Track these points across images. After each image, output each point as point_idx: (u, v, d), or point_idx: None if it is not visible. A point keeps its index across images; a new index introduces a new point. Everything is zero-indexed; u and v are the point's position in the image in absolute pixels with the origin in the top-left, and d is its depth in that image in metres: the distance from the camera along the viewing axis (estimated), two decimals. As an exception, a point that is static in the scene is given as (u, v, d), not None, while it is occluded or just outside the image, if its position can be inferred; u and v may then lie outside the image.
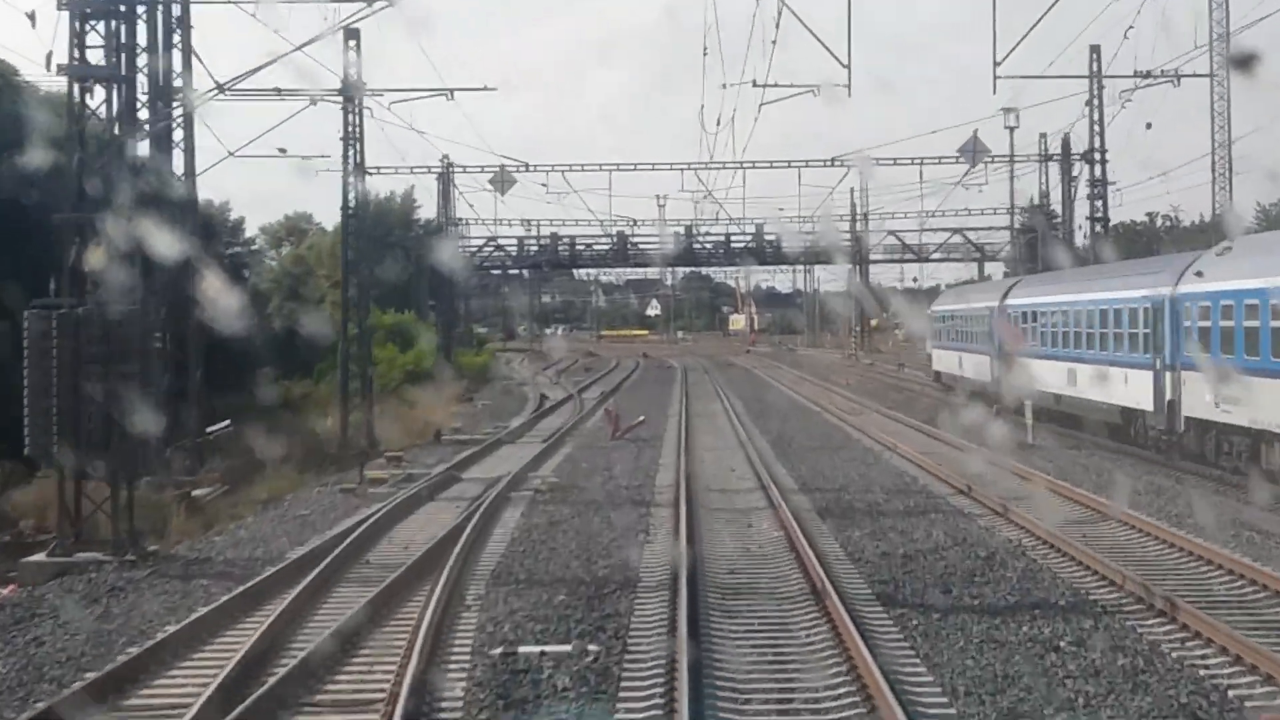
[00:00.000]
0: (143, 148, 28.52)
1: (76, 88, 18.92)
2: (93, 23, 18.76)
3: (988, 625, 13.99)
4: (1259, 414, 22.77)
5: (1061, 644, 13.14)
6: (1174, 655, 12.72)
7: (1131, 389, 28.71)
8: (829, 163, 65.28)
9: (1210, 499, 22.37)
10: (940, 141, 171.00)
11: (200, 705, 11.19)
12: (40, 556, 18.78)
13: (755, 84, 39.29)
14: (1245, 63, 47.20)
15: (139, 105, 25.34)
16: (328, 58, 36.40)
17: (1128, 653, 12.79)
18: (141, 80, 27.06)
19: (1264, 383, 22.58)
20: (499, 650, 13.10)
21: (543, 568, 17.60)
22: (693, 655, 12.39)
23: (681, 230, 76.51)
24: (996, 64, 36.99)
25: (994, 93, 39.27)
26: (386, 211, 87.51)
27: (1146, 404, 27.93)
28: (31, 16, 21.54)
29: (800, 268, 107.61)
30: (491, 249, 77.96)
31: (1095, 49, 51.47)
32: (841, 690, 11.80)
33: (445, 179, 72.28)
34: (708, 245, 77.70)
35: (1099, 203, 53.59)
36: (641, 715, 11.30)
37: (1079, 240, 62.16)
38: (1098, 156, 53.43)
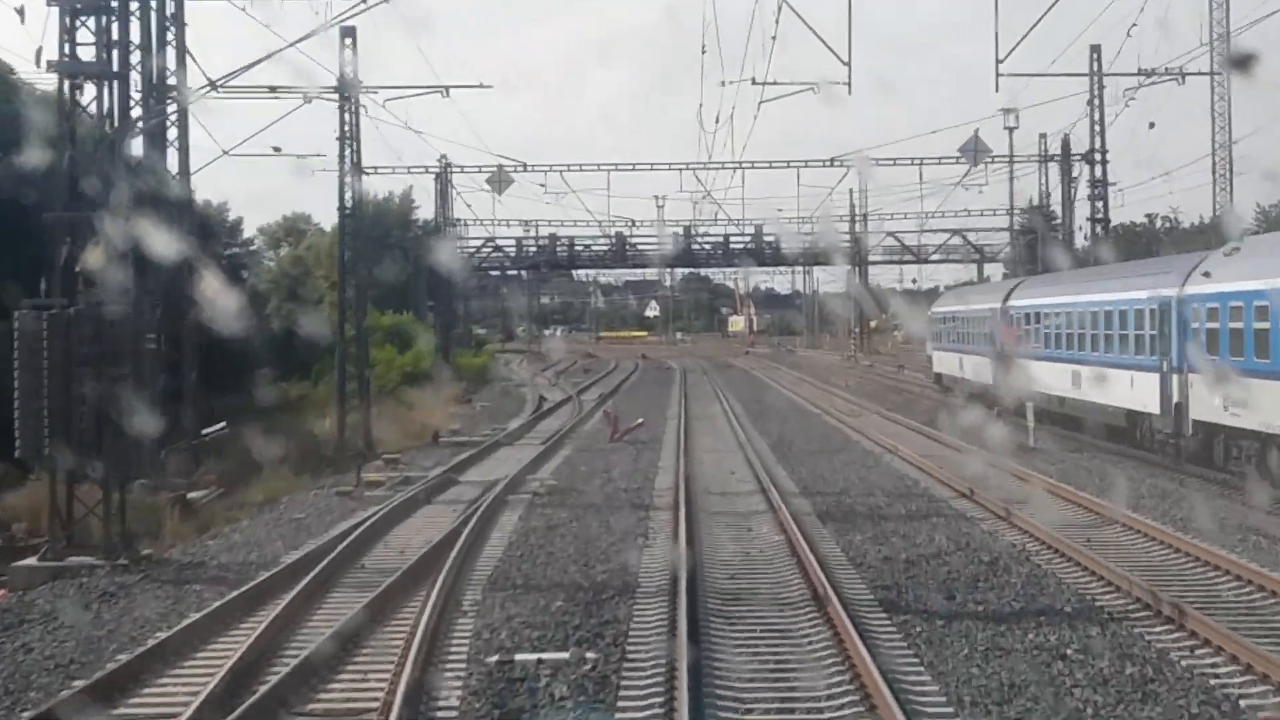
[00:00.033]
0: (137, 147, 28.43)
1: (67, 84, 18.66)
2: (83, 18, 18.52)
3: (992, 632, 13.76)
4: (1269, 417, 22.47)
5: (1068, 652, 12.91)
6: (1183, 664, 12.48)
7: (1137, 391, 28.31)
8: (828, 163, 65.06)
9: (1215, 503, 22.15)
10: (940, 142, 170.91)
11: (190, 715, 10.96)
12: (31, 561, 18.52)
13: (754, 81, 38.99)
14: (1243, 63, 47.07)
15: (133, 103, 25.13)
16: (324, 57, 36.15)
17: (1136, 661, 12.56)
18: (136, 79, 26.96)
19: (1274, 386, 22.30)
20: (495, 658, 12.87)
21: (540, 572, 17.36)
22: (692, 662, 12.17)
23: (680, 231, 76.30)
24: (999, 61, 36.68)
25: (996, 90, 39.07)
26: (385, 212, 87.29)
27: (1153, 407, 27.51)
28: (20, 12, 21.27)
29: (799, 269, 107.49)
30: (490, 250, 77.73)
31: (1095, 48, 51.32)
32: (844, 699, 11.56)
33: (443, 179, 72.02)
34: (706, 246, 77.49)
35: (1099, 203, 53.39)
36: (640, 725, 11.08)
37: (1079, 241, 62.09)
38: (1098, 157, 53.24)
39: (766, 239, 76.46)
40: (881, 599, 15.45)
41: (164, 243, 24.42)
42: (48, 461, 18.40)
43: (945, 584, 16.27)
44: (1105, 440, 31.07)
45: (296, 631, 14.13)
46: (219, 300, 30.74)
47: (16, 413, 18.09)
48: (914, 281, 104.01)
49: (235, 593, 15.70)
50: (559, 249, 77.43)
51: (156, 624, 14.70)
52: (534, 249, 78.12)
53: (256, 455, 30.53)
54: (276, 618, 14.15)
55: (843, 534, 19.91)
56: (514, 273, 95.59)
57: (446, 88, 36.23)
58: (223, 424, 29.94)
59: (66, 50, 18.60)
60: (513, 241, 77.70)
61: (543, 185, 66.08)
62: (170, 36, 29.10)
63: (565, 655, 12.91)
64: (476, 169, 66.86)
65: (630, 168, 67.50)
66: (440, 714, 11.42)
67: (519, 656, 12.88)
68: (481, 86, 37.13)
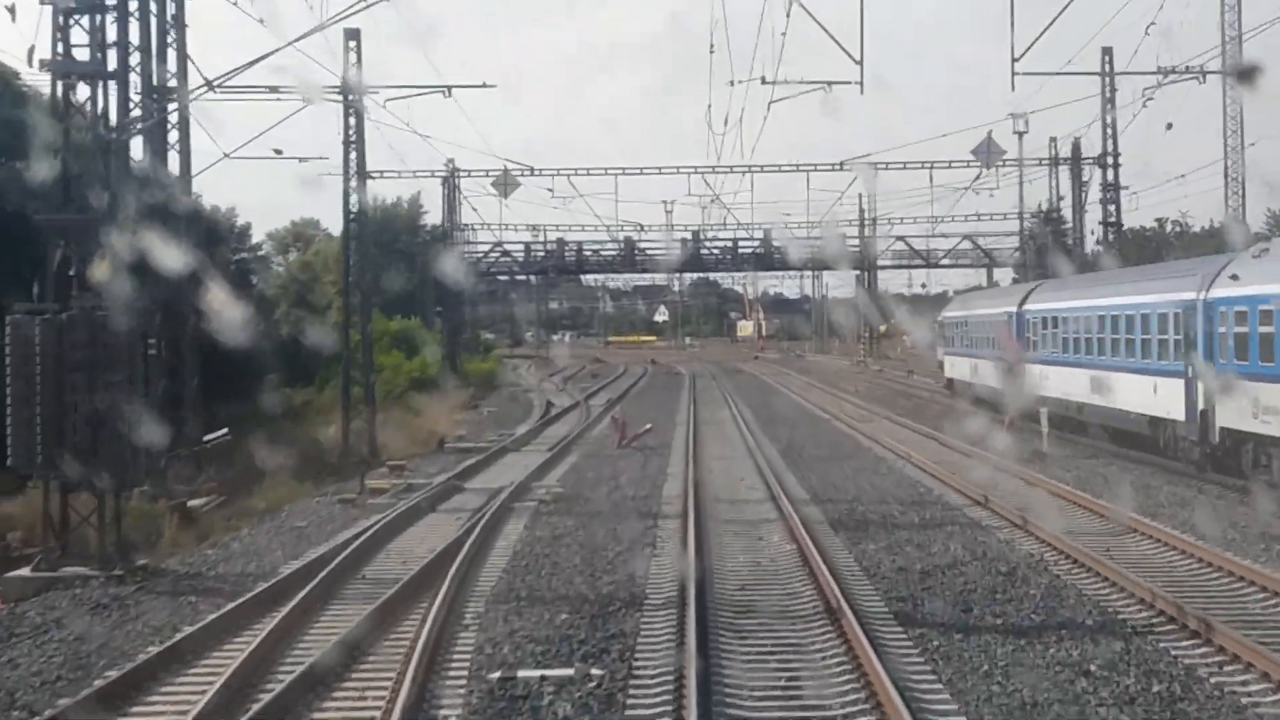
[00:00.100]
0: (138, 150, 28.05)
1: (60, 85, 18.23)
2: (76, 18, 18.10)
3: (1012, 647, 13.27)
4: None
5: (1092, 668, 12.41)
6: (1213, 681, 12.00)
7: (1160, 398, 27.55)
8: (837, 166, 64.39)
9: (1236, 511, 21.66)
10: (951, 145, 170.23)
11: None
12: (24, 571, 18.08)
13: (764, 80, 38.30)
14: (1248, 75, 46.59)
15: (132, 105, 24.77)
16: (328, 62, 35.74)
17: (1163, 678, 12.07)
18: (135, 81, 26.59)
19: None
20: (497, 674, 12.40)
21: (545, 584, 16.90)
22: (702, 679, 11.72)
23: (689, 235, 75.79)
24: (1015, 59, 36.14)
25: (1013, 89, 38.42)
26: (393, 217, 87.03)
27: (1177, 414, 26.72)
28: (12, 10, 20.87)
29: (808, 273, 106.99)
30: (498, 255, 77.27)
31: (1107, 50, 50.80)
32: (860, 719, 11.09)
33: (450, 183, 71.56)
34: (715, 251, 76.95)
35: (1111, 207, 52.86)
36: (647, 747, 10.62)
37: (1090, 246, 61.53)
38: (1110, 160, 52.71)
39: (775, 244, 75.93)
40: (896, 611, 14.97)
41: (166, 249, 24.08)
42: (41, 469, 17.95)
43: (962, 596, 15.79)
44: (1125, 447, 30.52)
45: (292, 646, 13.67)
46: (224, 306, 30.40)
47: (9, 420, 17.66)
48: (923, 286, 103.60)
49: (231, 605, 15.27)
50: (567, 254, 76.93)
51: (149, 638, 14.25)
52: (542, 254, 77.62)
53: (259, 462, 30.18)
54: (272, 632, 13.71)
55: (855, 543, 19.44)
56: (522, 278, 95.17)
57: (449, 87, 35.79)
58: (225, 430, 29.54)
59: (60, 50, 18.16)
60: (521, 246, 77.22)
61: (550, 190, 65.51)
62: (171, 39, 28.72)
63: (570, 671, 12.45)
64: (484, 173, 66.38)
65: (638, 171, 66.97)
66: (439, 734, 10.98)
67: (522, 673, 12.42)
68: (485, 86, 36.72)
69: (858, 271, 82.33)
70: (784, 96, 39.12)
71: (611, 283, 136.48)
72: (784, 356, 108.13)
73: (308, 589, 15.74)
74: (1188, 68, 41.72)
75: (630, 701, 11.62)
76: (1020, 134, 63.38)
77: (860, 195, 77.37)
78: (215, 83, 23.33)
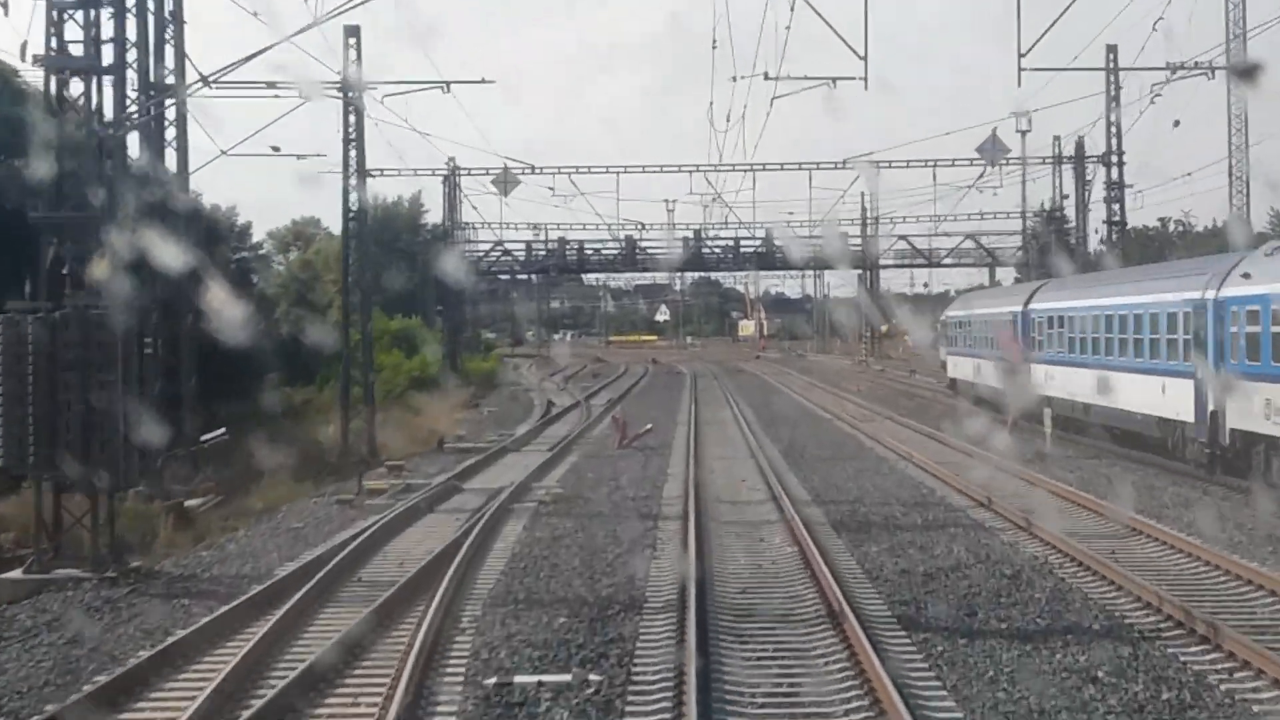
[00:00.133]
0: (135, 148, 27.82)
1: (54, 81, 18.01)
2: (71, 12, 17.88)
3: (1018, 652, 13.04)
4: None
5: (1099, 674, 12.18)
6: (1223, 688, 11.76)
7: (1169, 399, 27.03)
8: (840, 165, 64.13)
9: (1241, 512, 21.43)
10: (954, 144, 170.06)
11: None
12: (16, 573, 17.86)
13: (767, 76, 37.84)
14: (1248, 73, 46.34)
15: (129, 102, 24.54)
16: (327, 60, 35.48)
17: (1172, 684, 11.84)
18: (132, 77, 26.36)
19: None
20: (493, 680, 12.17)
21: (543, 586, 16.67)
22: (702, 685, 11.50)
23: (690, 234, 75.54)
24: (1021, 55, 35.83)
25: (1019, 85, 37.97)
26: (394, 216, 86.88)
27: (1186, 415, 26.21)
28: (5, 5, 20.62)
29: (810, 273, 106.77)
30: (499, 254, 77.04)
31: (1112, 48, 50.53)
32: (863, 727, 10.88)
33: (451, 182, 71.33)
34: (716, 250, 76.72)
35: (1116, 206, 52.61)
36: (646, 755, 10.40)
37: (1093, 245, 61.26)
38: (1114, 159, 52.47)
39: (777, 243, 75.68)
40: (899, 615, 14.75)
41: (164, 247, 23.89)
42: (34, 470, 17.73)
43: (966, 599, 15.56)
44: (1127, 448, 30.28)
45: (285, 651, 13.45)
46: (224, 305, 30.23)
47: (1, 419, 17.44)
48: (925, 285, 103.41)
49: (225, 608, 15.04)
50: (568, 253, 76.71)
51: (139, 642, 14.02)
52: (543, 253, 77.41)
53: (257, 462, 29.97)
54: (264, 636, 13.49)
55: (857, 545, 19.21)
56: (523, 277, 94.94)
57: (447, 83, 35.52)
58: (222, 430, 29.30)
59: (54, 45, 17.93)
60: (522, 245, 77.00)
61: (551, 188, 65.30)
62: (169, 35, 28.49)
63: (567, 677, 12.22)
64: (484, 171, 66.12)
65: (639, 169, 66.71)
66: (433, 742, 10.76)
67: (518, 678, 12.19)
68: (483, 82, 36.36)
69: (859, 271, 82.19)
70: (787, 93, 38.65)
71: (613, 282, 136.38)
72: (785, 356, 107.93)
73: (303, 592, 15.53)
74: (1196, 63, 41.39)
75: (629, 709, 11.41)
76: (1023, 133, 63.18)
77: (863, 194, 77.12)
78: (211, 78, 23.07)
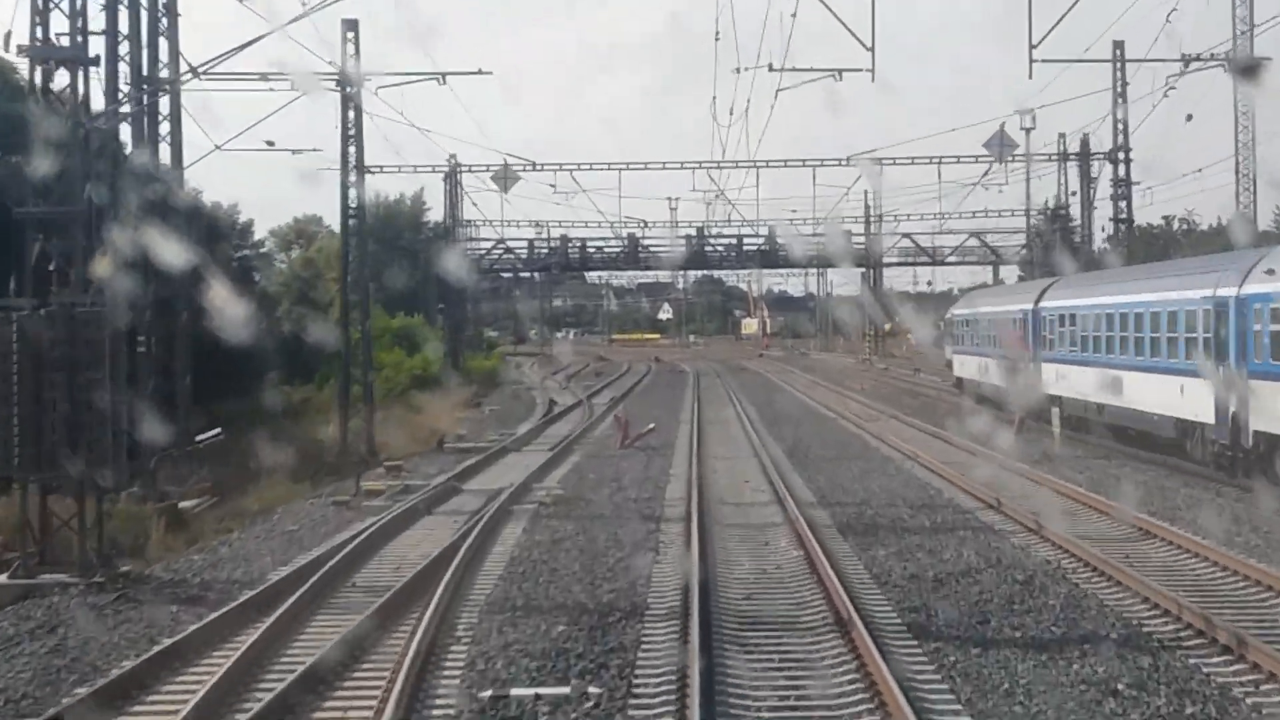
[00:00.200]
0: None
1: (39, 72, 17.55)
2: (56, 1, 17.41)
3: (1033, 663, 12.56)
4: None
5: (1119, 687, 11.70)
6: (1249, 702, 11.29)
7: (1188, 399, 26.19)
8: (844, 162, 63.69)
9: (1258, 515, 20.92)
10: (959, 140, 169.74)
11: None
12: (1, 578, 17.40)
13: (771, 68, 37.21)
14: (1250, 71, 45.81)
15: (121, 95, 24.11)
16: (325, 57, 34.94)
17: (1195, 698, 11.37)
18: (125, 71, 25.94)
19: None
20: (489, 693, 11.71)
21: (542, 592, 16.20)
22: (706, 698, 11.04)
23: (693, 232, 75.13)
24: (1033, 46, 35.32)
25: (1030, 77, 37.44)
26: (396, 214, 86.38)
27: (1206, 416, 25.37)
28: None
29: (813, 271, 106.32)
30: (501, 251, 76.65)
31: (1119, 44, 50.04)
32: (875, 743, 10.42)
33: (452, 179, 70.89)
34: (719, 248, 76.31)
35: (1123, 203, 52.12)
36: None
37: (1098, 243, 60.77)
38: (1121, 155, 51.97)
39: (780, 241, 75.25)
40: (909, 623, 14.27)
41: (163, 245, 23.50)
42: (19, 471, 17.27)
43: (978, 606, 15.08)
44: (1135, 448, 29.74)
45: (274, 660, 12.99)
46: (225, 303, 29.88)
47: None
48: (928, 284, 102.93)
49: (214, 615, 14.59)
50: (570, 251, 76.33)
51: (124, 651, 13.56)
52: (545, 251, 77.04)
53: (253, 462, 29.54)
54: (253, 645, 13.02)
55: (864, 548, 18.75)
56: (526, 275, 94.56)
57: (443, 74, 35.08)
58: (218, 430, 28.83)
59: (39, 35, 17.47)
60: (524, 243, 76.63)
61: (553, 186, 64.86)
62: (163, 28, 28.03)
63: (566, 690, 11.76)
64: (484, 168, 65.65)
65: (642, 166, 66.23)
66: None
67: (515, 691, 11.73)
68: (480, 73, 35.92)
69: (863, 269, 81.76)
70: (792, 85, 37.96)
71: (615, 280, 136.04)
72: (789, 354, 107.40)
73: (294, 598, 15.08)
74: (1213, 54, 40.86)
75: (629, 723, 10.95)
76: (1027, 130, 62.67)
77: (866, 192, 76.64)
78: (201, 69, 22.61)
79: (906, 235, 75.61)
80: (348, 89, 35.93)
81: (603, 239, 74.68)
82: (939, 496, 24.07)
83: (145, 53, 26.14)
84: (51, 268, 17.52)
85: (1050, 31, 34.86)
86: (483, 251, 76.47)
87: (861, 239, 76.50)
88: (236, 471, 29.19)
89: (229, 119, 47.00)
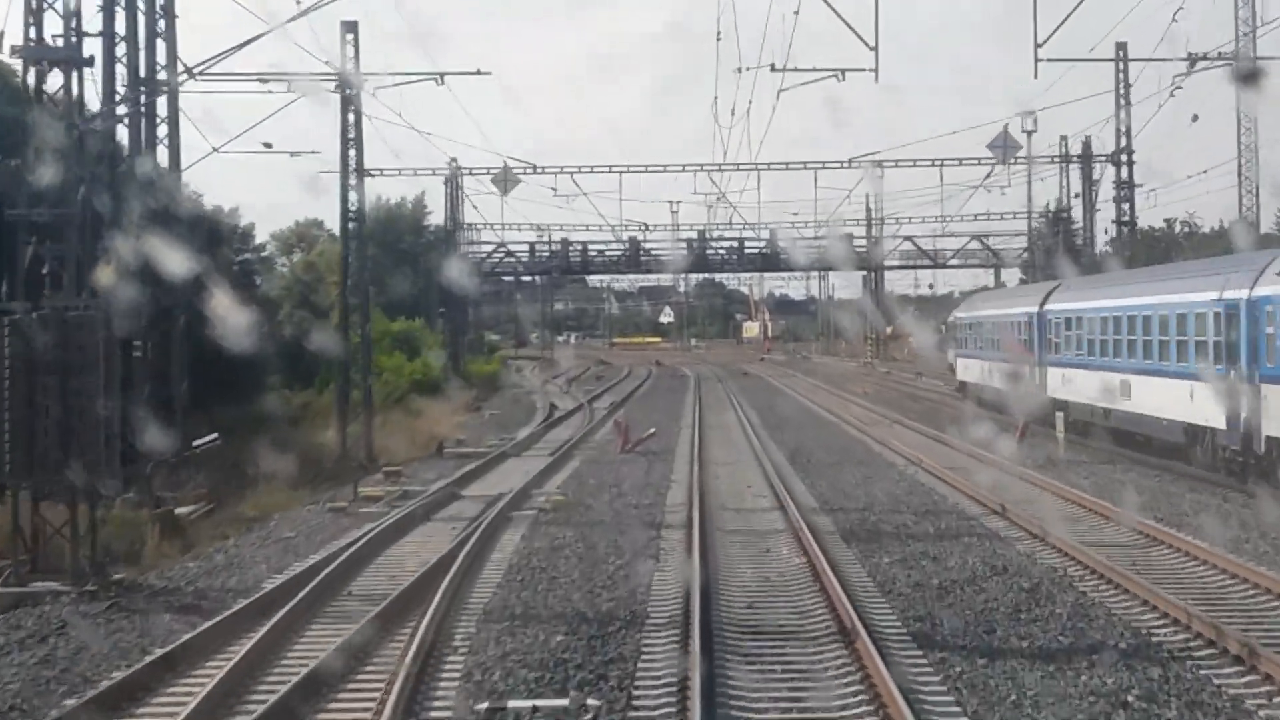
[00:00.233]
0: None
1: (32, 72, 17.32)
2: (50, 1, 17.19)
3: (1041, 674, 12.31)
4: None
5: (1129, 698, 11.47)
6: (1263, 714, 11.06)
7: (1198, 404, 25.71)
8: (846, 164, 63.40)
9: (1266, 521, 20.65)
10: (962, 142, 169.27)
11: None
12: (-8, 586, 17.16)
13: (774, 68, 36.84)
14: (1250, 78, 45.57)
15: (118, 97, 23.88)
16: (325, 61, 34.67)
17: (1207, 710, 11.14)
18: (122, 72, 25.69)
19: None
20: (485, 705, 11.47)
21: (541, 601, 15.96)
22: (707, 711, 10.80)
23: (694, 236, 74.88)
24: (1038, 45, 35.05)
25: (1035, 77, 37.15)
26: (397, 217, 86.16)
27: (1216, 421, 24.89)
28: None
29: (814, 274, 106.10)
30: (502, 255, 76.43)
31: (1121, 45, 49.80)
32: (880, 758, 10.18)
33: (453, 183, 70.65)
34: (720, 251, 76.06)
35: (1125, 205, 51.85)
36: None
37: (1100, 246, 60.50)
38: (1124, 157, 51.72)
39: (781, 244, 75.01)
40: (914, 632, 14.04)
41: (160, 247, 23.26)
42: (10, 478, 17.03)
43: (983, 615, 14.85)
44: (1144, 453, 29.44)
45: (267, 671, 12.75)
46: (225, 308, 29.68)
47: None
48: (930, 286, 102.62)
49: (207, 624, 14.36)
50: (572, 254, 76.10)
51: (114, 662, 13.32)
52: (546, 254, 76.82)
53: (251, 468, 29.31)
54: (245, 656, 12.79)
55: (868, 556, 18.51)
56: (527, 278, 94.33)
57: (441, 74, 34.86)
58: (214, 435, 28.56)
59: (32, 35, 17.24)
60: (525, 247, 76.41)
61: (553, 189, 64.52)
62: (161, 29, 27.77)
63: (564, 702, 11.52)
64: (484, 170, 65.36)
65: (642, 169, 65.97)
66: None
67: (512, 703, 11.50)
68: (479, 73, 35.72)
69: (864, 272, 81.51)
70: (794, 85, 37.58)
71: (617, 284, 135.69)
72: (790, 358, 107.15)
73: (289, 607, 14.84)
74: (1220, 54, 40.59)
75: (629, 736, 10.72)
76: (1029, 132, 62.42)
77: (867, 195, 76.30)
78: (196, 69, 22.36)
79: (908, 238, 75.39)
80: (348, 91, 35.73)
81: (604, 242, 74.47)
82: (943, 502, 23.83)
83: (143, 55, 25.86)
84: (45, 271, 17.28)
85: (1053, 33, 34.58)
86: (484, 255, 76.25)
87: (863, 242, 76.23)
88: (234, 477, 28.94)
89: (230, 123, 46.83)
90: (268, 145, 36.73)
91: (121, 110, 22.25)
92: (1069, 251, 59.65)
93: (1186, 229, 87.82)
